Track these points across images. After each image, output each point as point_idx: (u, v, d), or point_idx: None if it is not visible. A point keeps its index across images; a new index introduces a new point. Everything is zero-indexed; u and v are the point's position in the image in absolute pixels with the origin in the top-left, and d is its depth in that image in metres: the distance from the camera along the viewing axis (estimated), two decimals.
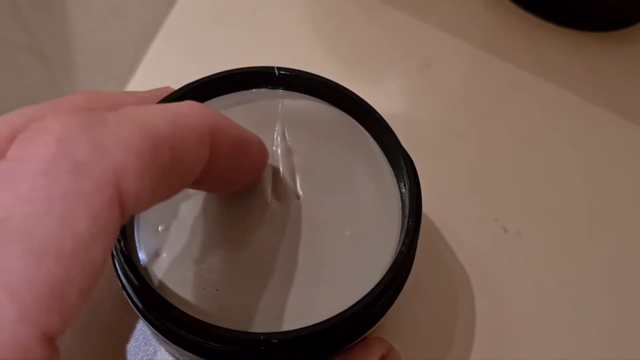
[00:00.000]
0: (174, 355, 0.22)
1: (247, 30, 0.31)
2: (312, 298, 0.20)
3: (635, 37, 0.33)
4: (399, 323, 0.25)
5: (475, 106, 0.30)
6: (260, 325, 0.19)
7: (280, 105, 0.23)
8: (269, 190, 0.22)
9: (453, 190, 0.28)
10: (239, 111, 0.23)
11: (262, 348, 0.19)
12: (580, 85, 0.31)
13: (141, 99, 0.20)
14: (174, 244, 0.21)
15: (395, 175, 0.22)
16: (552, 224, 0.28)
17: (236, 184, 0.20)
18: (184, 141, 0.15)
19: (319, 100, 0.23)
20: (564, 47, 0.32)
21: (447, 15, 0.32)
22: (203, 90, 0.23)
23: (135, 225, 0.21)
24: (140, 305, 0.20)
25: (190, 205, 0.21)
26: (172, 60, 0.25)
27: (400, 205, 0.22)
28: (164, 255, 0.20)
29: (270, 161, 0.22)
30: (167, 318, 0.19)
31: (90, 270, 0.13)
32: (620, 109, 0.30)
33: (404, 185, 0.21)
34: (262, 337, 0.18)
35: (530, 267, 0.27)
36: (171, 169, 0.15)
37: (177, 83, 0.22)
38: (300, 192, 0.22)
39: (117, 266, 0.20)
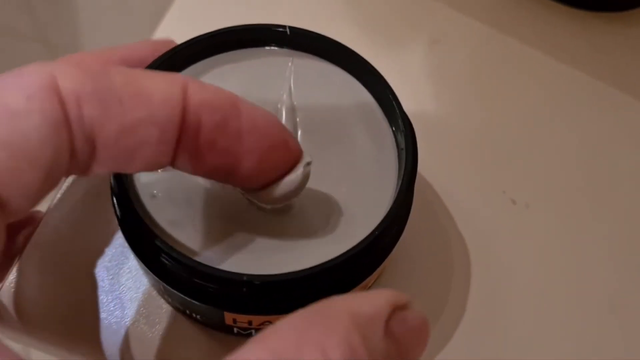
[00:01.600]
0: (162, 296, 0.23)
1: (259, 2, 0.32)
2: (302, 249, 0.21)
3: None
4: (390, 286, 0.25)
5: (483, 81, 0.31)
6: (248, 269, 0.20)
7: (289, 64, 0.24)
8: None
9: (462, 163, 0.28)
10: (248, 67, 0.24)
11: (244, 289, 0.19)
12: (586, 63, 0.31)
13: (132, 50, 0.21)
14: (169, 185, 0.21)
15: (393, 133, 0.22)
16: (560, 198, 0.28)
17: (260, 177, 0.19)
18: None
19: (327, 61, 0.24)
20: (572, 27, 0.32)
21: None
22: (211, 44, 0.23)
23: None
24: (132, 240, 0.21)
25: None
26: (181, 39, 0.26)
27: (396, 164, 0.22)
28: (160, 194, 0.21)
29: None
30: (156, 251, 0.20)
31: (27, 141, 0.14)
32: (626, 86, 0.31)
33: (402, 143, 0.22)
34: (244, 278, 0.19)
35: (535, 239, 0.27)
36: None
37: None
38: (304, 147, 0.22)
39: (114, 201, 0.21)
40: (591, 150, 0.29)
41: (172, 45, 0.22)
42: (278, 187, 0.20)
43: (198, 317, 0.22)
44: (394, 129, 0.22)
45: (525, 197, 0.28)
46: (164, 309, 0.24)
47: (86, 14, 0.74)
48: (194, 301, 0.20)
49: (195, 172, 0.18)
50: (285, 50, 0.24)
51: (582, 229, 0.27)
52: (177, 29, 0.29)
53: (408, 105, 0.23)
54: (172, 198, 0.21)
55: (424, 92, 0.30)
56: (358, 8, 0.32)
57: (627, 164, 0.29)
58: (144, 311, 0.24)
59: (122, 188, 0.20)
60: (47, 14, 0.76)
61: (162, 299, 0.24)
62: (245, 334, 0.22)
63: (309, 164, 0.20)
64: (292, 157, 0.19)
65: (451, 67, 0.31)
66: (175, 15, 0.31)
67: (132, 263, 0.24)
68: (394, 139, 0.22)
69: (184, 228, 0.21)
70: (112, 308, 0.24)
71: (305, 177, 0.20)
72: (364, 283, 0.21)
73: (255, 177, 0.19)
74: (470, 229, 0.27)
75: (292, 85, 0.23)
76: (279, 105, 0.23)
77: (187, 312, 0.22)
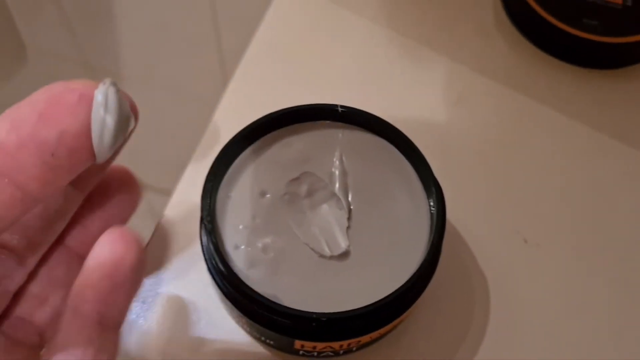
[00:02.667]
0: (242, 327, 0.29)
1: (304, 67, 0.38)
2: (353, 289, 0.26)
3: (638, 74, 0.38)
4: (421, 318, 0.31)
5: (499, 133, 0.36)
6: (313, 306, 0.25)
7: (340, 135, 0.30)
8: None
9: (481, 206, 0.34)
10: (308, 137, 0.29)
11: (314, 324, 0.25)
12: (590, 117, 0.37)
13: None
14: (249, 238, 0.27)
15: (427, 196, 0.28)
16: (569, 239, 0.33)
17: None
18: None
19: (371, 133, 0.30)
20: (577, 84, 0.38)
21: (476, 56, 0.38)
22: (279, 119, 0.29)
23: (220, 224, 0.27)
24: (223, 285, 0.26)
25: (263, 206, 0.28)
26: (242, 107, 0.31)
27: (429, 222, 0.28)
28: (242, 247, 0.27)
29: (327, 182, 0.28)
30: (244, 296, 0.25)
31: None
32: (626, 137, 0.36)
33: (433, 206, 0.27)
34: (314, 316, 0.25)
35: (546, 276, 0.32)
36: None
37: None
38: (352, 205, 0.28)
39: (206, 255, 0.27)
40: (595, 194, 0.35)
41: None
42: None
43: (272, 342, 0.28)
44: (427, 192, 0.28)
45: (536, 237, 0.33)
46: (240, 335, 0.30)
47: (127, 36, 0.78)
48: (271, 331, 0.26)
49: None
50: (337, 124, 0.30)
51: (587, 266, 0.33)
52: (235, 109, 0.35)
53: (434, 154, 0.28)
54: (250, 248, 0.27)
55: (449, 144, 0.35)
56: (390, 79, 0.38)
57: (629, 208, 0.34)
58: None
59: (215, 244, 0.26)
60: (88, 36, 0.80)
61: (240, 328, 0.29)
62: (308, 355, 0.28)
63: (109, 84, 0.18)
64: None
65: (472, 122, 0.36)
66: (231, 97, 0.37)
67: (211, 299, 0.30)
68: (427, 200, 0.28)
69: (261, 271, 0.27)
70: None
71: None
72: (402, 316, 0.27)
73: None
74: (487, 265, 0.32)
75: (343, 153, 0.29)
76: (333, 169, 0.29)
77: (262, 338, 0.28)
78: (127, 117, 0.18)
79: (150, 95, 0.82)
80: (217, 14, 0.64)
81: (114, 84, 0.18)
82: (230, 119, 0.35)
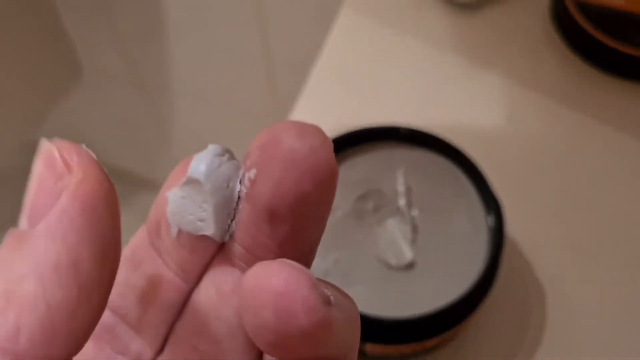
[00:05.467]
0: None
1: (365, 89, 0.41)
2: (418, 297, 0.29)
3: None
4: (481, 327, 0.33)
5: (552, 148, 0.38)
6: (382, 313, 0.28)
7: (402, 154, 0.32)
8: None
9: (534, 217, 0.36)
10: (374, 156, 0.32)
11: (384, 327, 0.28)
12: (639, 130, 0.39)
13: None
14: (321, 251, 0.30)
15: (485, 211, 0.31)
16: (624, 249, 0.36)
17: None
18: None
19: (431, 151, 0.32)
20: (625, 97, 0.40)
21: (528, 73, 0.41)
22: (347, 139, 0.32)
23: None
24: None
25: (333, 222, 0.31)
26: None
27: (488, 235, 0.30)
28: (315, 259, 0.30)
29: (392, 198, 0.31)
30: None
31: None
32: None
33: (492, 220, 0.30)
34: (383, 320, 0.28)
35: (602, 286, 0.35)
36: None
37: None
38: (415, 220, 0.31)
39: None
40: None
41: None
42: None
43: None
44: (486, 207, 0.31)
45: (590, 247, 0.35)
46: None
47: (179, 56, 0.82)
48: None
49: None
50: (399, 144, 0.33)
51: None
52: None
53: (488, 169, 0.31)
54: (323, 260, 0.30)
55: (503, 159, 0.38)
56: (446, 98, 0.41)
57: None
58: None
59: None
60: (140, 56, 0.83)
61: None
62: (378, 358, 0.31)
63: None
64: None
65: (526, 137, 0.39)
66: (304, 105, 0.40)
67: None
68: (485, 215, 0.31)
69: (333, 281, 0.29)
70: None
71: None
72: (464, 323, 0.30)
73: None
74: (544, 275, 0.35)
75: (405, 171, 0.32)
76: (396, 186, 0.32)
77: None
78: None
79: (205, 114, 0.86)
80: (271, 36, 0.67)
81: None
82: None
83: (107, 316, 0.16)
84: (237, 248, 0.15)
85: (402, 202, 0.31)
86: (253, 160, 0.14)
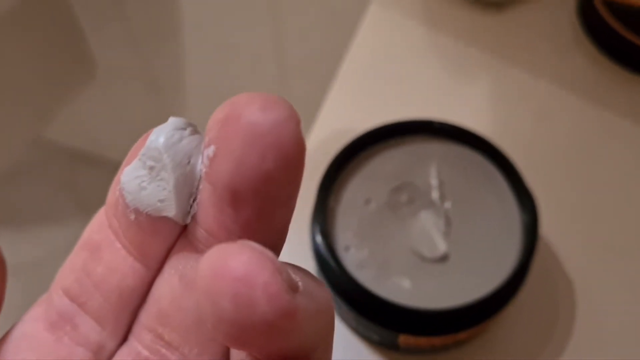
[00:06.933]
0: (350, 325, 0.32)
1: (396, 84, 0.41)
2: (452, 289, 0.30)
3: None
4: (511, 322, 0.34)
5: (581, 146, 0.39)
6: (415, 304, 0.29)
7: (436, 148, 0.33)
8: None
9: (565, 215, 0.37)
10: (408, 150, 0.33)
11: (418, 317, 0.28)
12: None
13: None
14: (356, 242, 0.31)
15: (518, 206, 0.31)
16: None
17: None
18: None
19: (464, 145, 0.33)
20: None
21: (556, 72, 0.42)
22: (381, 133, 0.33)
23: (330, 228, 0.31)
24: (335, 282, 0.30)
25: (368, 213, 0.31)
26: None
27: (521, 230, 0.31)
28: (351, 249, 0.31)
29: (425, 191, 0.32)
30: (357, 292, 0.29)
31: None
32: None
33: (527, 217, 0.30)
34: (418, 311, 0.28)
35: (632, 285, 0.35)
36: None
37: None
38: (449, 213, 0.31)
39: (321, 253, 0.30)
40: None
41: None
42: None
43: (376, 338, 0.31)
44: (519, 202, 0.31)
45: (621, 246, 0.36)
46: (343, 332, 0.33)
47: (194, 56, 0.83)
48: (377, 326, 0.30)
49: None
50: (433, 137, 0.33)
51: None
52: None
53: (525, 168, 0.31)
54: (358, 250, 0.31)
55: (533, 157, 0.39)
56: (475, 95, 0.41)
57: None
58: None
59: (328, 244, 0.30)
60: (155, 55, 0.84)
61: (344, 325, 0.33)
62: (409, 352, 0.31)
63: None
64: None
65: (554, 136, 0.39)
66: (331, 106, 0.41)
67: None
68: (518, 210, 0.31)
69: (368, 272, 0.30)
70: None
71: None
72: (495, 316, 0.30)
73: None
74: (574, 273, 0.35)
75: (439, 164, 0.33)
76: (430, 180, 0.32)
77: (367, 334, 0.31)
78: None
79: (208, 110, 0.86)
80: (287, 36, 0.68)
81: None
82: (327, 134, 0.38)
83: (65, 304, 0.15)
84: (199, 231, 0.14)
85: (435, 195, 0.32)
86: (212, 136, 0.13)
